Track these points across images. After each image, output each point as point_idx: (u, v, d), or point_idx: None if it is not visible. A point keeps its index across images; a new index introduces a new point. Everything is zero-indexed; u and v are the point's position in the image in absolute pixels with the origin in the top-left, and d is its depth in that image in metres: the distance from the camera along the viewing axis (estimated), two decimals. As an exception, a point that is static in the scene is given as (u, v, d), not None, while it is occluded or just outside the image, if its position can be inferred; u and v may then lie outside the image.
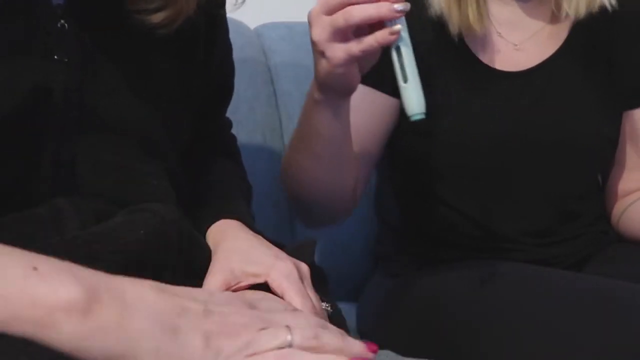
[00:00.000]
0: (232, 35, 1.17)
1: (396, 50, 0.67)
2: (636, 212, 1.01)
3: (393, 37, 0.67)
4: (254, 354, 0.44)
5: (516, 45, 0.98)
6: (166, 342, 0.42)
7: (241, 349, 0.44)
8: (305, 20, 1.42)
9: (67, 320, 0.40)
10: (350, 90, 0.77)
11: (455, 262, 0.96)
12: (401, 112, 0.98)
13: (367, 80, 0.95)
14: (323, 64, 0.73)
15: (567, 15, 0.94)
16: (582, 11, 0.92)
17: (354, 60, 0.71)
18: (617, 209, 1.05)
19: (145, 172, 0.63)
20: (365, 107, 0.95)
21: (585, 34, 0.95)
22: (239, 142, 0.91)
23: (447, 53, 0.96)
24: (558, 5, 0.95)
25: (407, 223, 1.04)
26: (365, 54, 0.69)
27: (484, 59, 0.96)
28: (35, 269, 0.41)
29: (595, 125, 0.97)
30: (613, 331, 0.74)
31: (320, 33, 0.70)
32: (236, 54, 1.12)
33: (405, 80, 0.67)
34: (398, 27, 0.66)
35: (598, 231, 1.04)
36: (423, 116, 0.67)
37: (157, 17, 0.62)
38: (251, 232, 0.69)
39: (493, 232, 0.98)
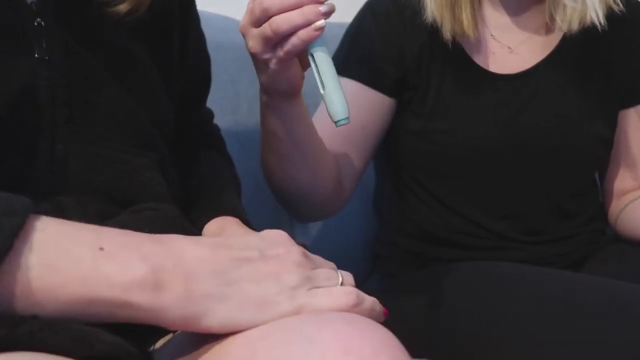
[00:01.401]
0: (232, 35, 1.18)
1: (312, 57, 0.66)
2: (633, 211, 1.02)
3: (317, 34, 0.65)
4: (317, 287, 0.49)
5: (510, 48, 0.98)
6: (234, 295, 0.46)
7: (304, 282, 0.48)
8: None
9: (142, 297, 0.44)
10: (296, 89, 0.76)
11: (453, 261, 0.97)
12: (396, 111, 0.99)
13: (362, 77, 0.96)
14: (263, 70, 0.73)
15: (559, 28, 0.95)
16: (575, 26, 0.93)
17: (286, 63, 0.70)
18: (615, 208, 1.06)
19: (138, 165, 0.64)
20: (359, 103, 0.96)
21: (579, 36, 0.95)
22: (239, 141, 0.91)
23: (441, 55, 0.96)
24: (552, 19, 0.96)
25: (405, 222, 1.04)
26: (294, 54, 0.68)
27: (479, 61, 0.97)
28: (101, 249, 0.44)
29: (590, 126, 0.98)
30: (612, 331, 0.74)
31: (253, 45, 0.70)
32: (236, 54, 1.13)
33: (324, 88, 0.65)
34: (322, 22, 0.65)
35: (594, 230, 1.04)
36: (347, 121, 0.66)
37: (124, 7, 0.63)
38: (248, 229, 0.71)
39: (490, 231, 0.99)
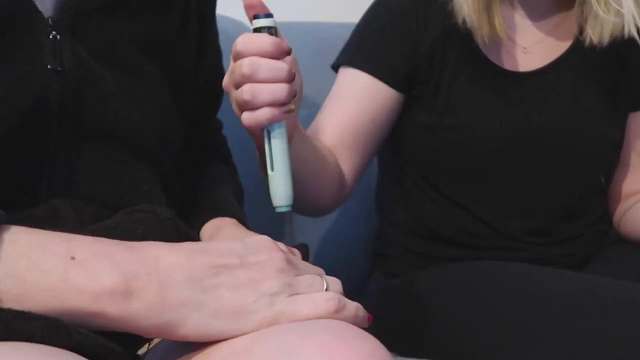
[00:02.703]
0: (232, 35, 1.18)
1: (267, 135, 0.62)
2: (637, 213, 1.01)
3: (285, 116, 0.62)
4: (297, 294, 0.48)
5: (525, 48, 0.98)
6: (209, 303, 0.45)
7: (283, 289, 0.47)
8: (305, 20, 1.43)
9: (112, 305, 0.43)
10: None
11: (456, 260, 0.97)
12: (404, 106, 0.98)
13: (373, 69, 0.96)
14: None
15: (591, 40, 0.93)
16: (606, 39, 0.92)
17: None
18: (620, 210, 1.05)
19: (138, 178, 0.64)
20: (370, 95, 0.96)
21: None
22: (239, 142, 0.91)
23: (454, 50, 0.96)
24: (581, 29, 0.95)
25: (409, 220, 1.04)
26: (254, 129, 0.63)
27: (493, 58, 0.96)
28: (73, 258, 0.44)
29: (601, 127, 0.97)
30: (614, 331, 0.74)
31: (234, 107, 0.66)
32: (236, 54, 1.12)
33: (272, 169, 0.62)
34: (293, 105, 0.62)
35: (598, 231, 1.04)
36: (289, 209, 0.63)
37: None
38: (245, 229, 0.71)
39: (495, 230, 0.98)
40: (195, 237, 0.67)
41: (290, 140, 0.72)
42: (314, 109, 1.01)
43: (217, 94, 0.84)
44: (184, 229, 0.61)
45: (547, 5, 0.98)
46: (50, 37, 0.58)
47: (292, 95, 0.61)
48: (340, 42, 1.04)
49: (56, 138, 0.59)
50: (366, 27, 1.01)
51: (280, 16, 1.30)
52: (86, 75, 0.60)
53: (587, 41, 0.93)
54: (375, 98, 0.96)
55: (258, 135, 0.65)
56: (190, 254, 0.47)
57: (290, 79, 0.61)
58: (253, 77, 0.60)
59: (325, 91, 1.02)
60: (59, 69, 0.58)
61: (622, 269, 0.93)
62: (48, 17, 0.59)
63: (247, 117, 0.62)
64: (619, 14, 0.90)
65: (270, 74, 0.60)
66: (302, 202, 0.90)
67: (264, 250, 0.49)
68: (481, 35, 0.92)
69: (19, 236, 0.44)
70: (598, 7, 0.90)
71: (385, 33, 0.98)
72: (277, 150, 0.62)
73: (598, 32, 0.92)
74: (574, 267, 0.99)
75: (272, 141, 0.62)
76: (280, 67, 0.60)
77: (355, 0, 1.07)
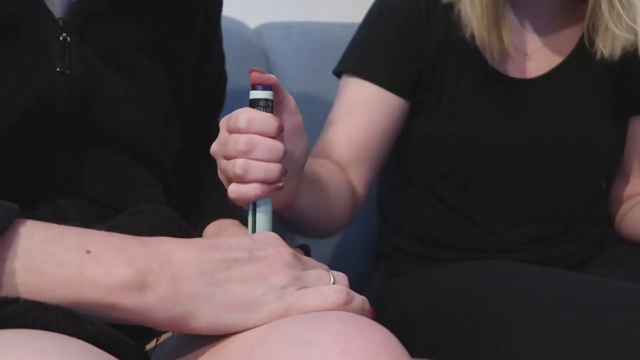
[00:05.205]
0: (232, 35, 1.18)
1: (252, 208, 0.61)
2: (638, 213, 1.01)
3: (273, 192, 0.60)
4: (306, 287, 0.49)
5: (527, 55, 0.97)
6: (220, 295, 0.46)
7: (292, 282, 0.48)
8: (305, 20, 1.43)
9: (127, 298, 0.44)
10: (289, 203, 0.72)
11: (456, 261, 0.97)
12: (410, 114, 0.98)
13: (380, 80, 0.94)
14: None
15: (601, 53, 0.91)
16: (617, 53, 0.90)
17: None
18: (621, 211, 1.05)
19: (139, 180, 0.65)
20: (379, 106, 0.94)
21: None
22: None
23: (457, 56, 0.95)
24: (591, 41, 0.93)
25: (410, 225, 1.03)
26: (241, 202, 0.62)
27: (495, 65, 0.95)
28: (88, 251, 0.45)
29: (602, 132, 0.97)
30: (616, 332, 0.74)
31: (220, 176, 0.64)
32: (236, 54, 1.13)
33: None
34: (282, 183, 0.60)
35: (599, 233, 1.03)
36: None
37: None
38: (247, 229, 0.70)
39: (498, 236, 0.98)
40: (198, 237, 0.67)
41: (289, 205, 0.72)
42: (315, 108, 1.01)
43: (219, 97, 0.84)
44: (187, 228, 0.61)
45: (551, 13, 0.97)
46: (61, 38, 0.58)
47: (283, 175, 0.60)
48: (340, 42, 1.03)
49: (60, 139, 0.59)
50: (369, 33, 0.98)
51: (281, 16, 1.31)
52: (93, 79, 0.61)
53: (598, 54, 0.92)
54: (384, 109, 0.94)
55: (243, 205, 0.64)
56: (200, 248, 0.48)
57: (283, 158, 0.60)
58: (249, 154, 0.59)
59: (325, 90, 1.01)
60: (68, 72, 0.58)
61: (622, 269, 0.93)
62: (59, 18, 0.59)
63: (235, 190, 0.60)
64: (631, 30, 0.88)
65: (266, 154, 0.59)
66: (315, 235, 0.90)
67: (271, 245, 0.50)
68: (490, 50, 0.91)
69: (35, 230, 0.45)
70: (610, 19, 0.88)
71: (389, 39, 0.95)
72: (260, 225, 0.61)
73: (609, 47, 0.90)
74: (573, 268, 0.98)
75: (257, 215, 0.61)
76: (278, 148, 0.59)
77: (356, 0, 1.07)
